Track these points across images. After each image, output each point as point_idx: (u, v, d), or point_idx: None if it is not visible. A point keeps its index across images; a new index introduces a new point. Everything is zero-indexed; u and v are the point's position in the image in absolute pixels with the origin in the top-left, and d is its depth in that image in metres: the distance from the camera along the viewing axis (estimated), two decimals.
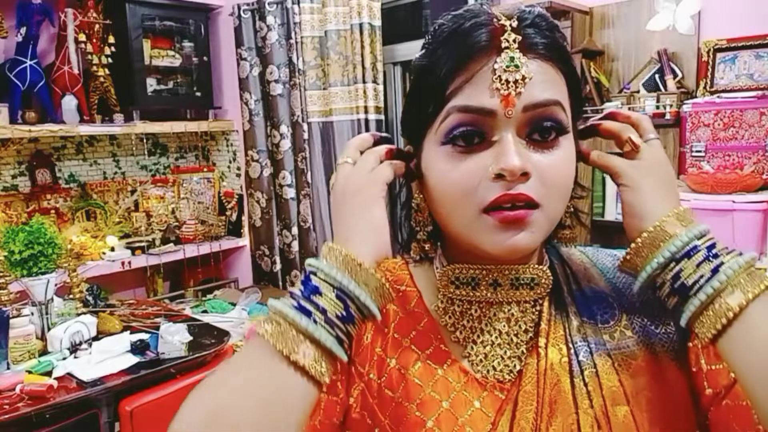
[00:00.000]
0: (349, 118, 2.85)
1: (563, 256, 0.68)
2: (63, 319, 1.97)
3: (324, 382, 0.51)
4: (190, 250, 3.17)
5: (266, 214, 3.18)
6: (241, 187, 3.38)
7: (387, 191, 0.59)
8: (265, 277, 3.26)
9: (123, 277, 3.03)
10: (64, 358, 1.81)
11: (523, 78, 0.53)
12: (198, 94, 3.32)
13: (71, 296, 2.18)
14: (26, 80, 2.67)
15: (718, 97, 1.97)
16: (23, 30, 2.64)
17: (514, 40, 0.54)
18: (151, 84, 3.16)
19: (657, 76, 2.12)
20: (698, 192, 1.87)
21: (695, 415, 0.59)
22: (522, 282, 0.60)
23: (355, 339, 0.63)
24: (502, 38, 0.54)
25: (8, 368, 1.72)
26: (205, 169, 3.52)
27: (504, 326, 0.61)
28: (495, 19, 0.55)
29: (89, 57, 2.88)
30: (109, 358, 1.82)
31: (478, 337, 0.62)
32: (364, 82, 2.77)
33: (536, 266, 0.61)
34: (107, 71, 2.96)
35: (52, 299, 1.94)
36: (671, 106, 2.03)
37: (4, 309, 1.75)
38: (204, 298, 3.02)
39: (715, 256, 0.52)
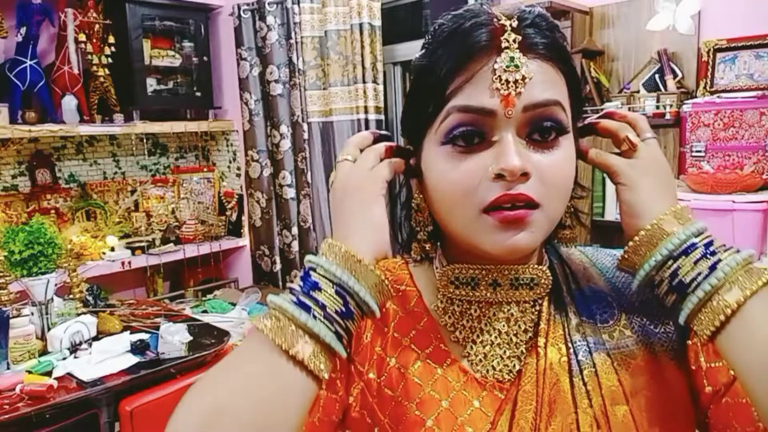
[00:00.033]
0: (349, 118, 2.85)
1: (563, 256, 0.68)
2: (63, 319, 1.97)
3: (323, 378, 0.51)
4: (190, 250, 3.17)
5: (266, 214, 3.18)
6: (241, 187, 3.38)
7: (387, 190, 0.59)
8: (265, 277, 3.26)
9: (123, 277, 3.03)
10: (64, 358, 1.81)
11: (523, 78, 0.53)
12: (198, 94, 3.32)
13: (71, 296, 2.18)
14: (26, 80, 2.67)
15: (718, 97, 1.97)
16: (23, 30, 2.64)
17: (514, 40, 0.54)
18: (151, 84, 3.16)
19: (657, 76, 2.12)
20: (698, 192, 1.87)
21: (694, 414, 0.60)
22: (522, 282, 0.60)
23: (355, 338, 0.63)
24: (502, 38, 0.54)
25: (8, 368, 1.72)
26: (205, 169, 3.52)
27: (503, 326, 0.61)
28: (495, 19, 0.55)
29: (89, 57, 2.89)
30: (109, 358, 1.82)
31: (478, 336, 0.62)
32: (364, 82, 2.77)
33: (536, 266, 0.61)
34: (107, 71, 2.96)
35: (52, 299, 1.94)
36: (671, 106, 2.03)
37: (4, 309, 1.75)
38: (204, 298, 3.02)
39: (713, 253, 0.52)
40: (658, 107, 2.06)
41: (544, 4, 1.98)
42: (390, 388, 0.61)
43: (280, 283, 3.20)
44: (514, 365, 0.61)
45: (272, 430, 0.49)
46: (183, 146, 3.57)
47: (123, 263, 2.90)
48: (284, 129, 3.02)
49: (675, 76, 2.09)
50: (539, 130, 0.55)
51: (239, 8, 3.05)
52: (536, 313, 0.62)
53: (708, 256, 0.52)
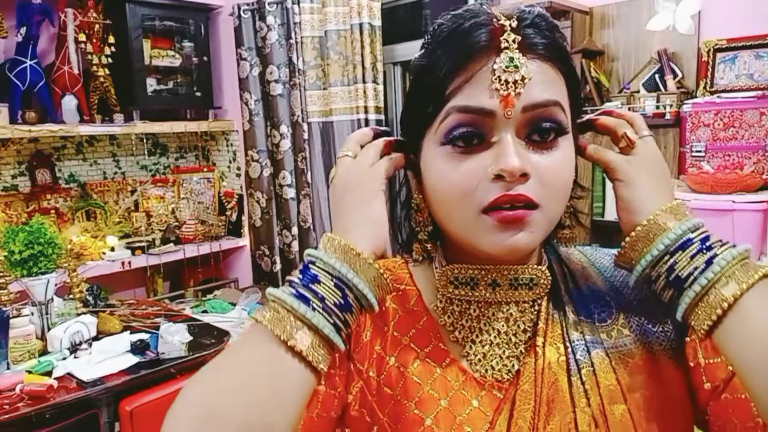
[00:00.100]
0: (349, 118, 2.85)
1: (562, 255, 0.68)
2: (63, 319, 1.97)
3: (321, 370, 0.51)
4: (190, 250, 3.17)
5: (266, 214, 3.18)
6: (241, 187, 3.39)
7: (387, 187, 0.59)
8: (265, 277, 3.26)
9: (123, 277, 3.03)
10: (64, 358, 1.82)
11: (523, 78, 0.53)
12: (198, 94, 3.32)
13: (71, 296, 2.18)
14: (26, 80, 2.67)
15: (718, 97, 1.97)
16: (23, 30, 2.64)
17: (514, 41, 0.54)
18: (151, 84, 3.16)
19: (657, 76, 2.12)
20: (698, 192, 1.88)
21: (693, 412, 0.60)
22: (521, 282, 0.61)
23: (354, 336, 0.63)
24: (501, 38, 0.54)
25: (8, 368, 1.72)
26: (205, 169, 3.52)
27: (503, 326, 0.62)
28: (495, 19, 0.55)
29: (89, 57, 2.89)
30: (109, 358, 1.82)
31: (477, 336, 0.62)
32: (364, 82, 2.77)
33: (535, 267, 0.61)
34: (107, 71, 2.96)
35: (52, 299, 1.94)
36: (671, 106, 2.04)
37: (4, 309, 1.75)
38: (204, 298, 3.02)
39: (709, 248, 0.52)
40: (658, 107, 2.06)
41: (544, 4, 1.98)
42: (389, 386, 0.61)
43: (280, 283, 3.17)
44: (513, 365, 0.61)
45: (270, 424, 0.49)
46: (183, 146, 3.57)
47: (123, 263, 2.90)
48: (284, 129, 3.02)
49: (675, 76, 2.09)
50: (538, 130, 0.55)
51: (239, 8, 3.05)
52: (535, 313, 0.62)
53: (704, 251, 0.52)
